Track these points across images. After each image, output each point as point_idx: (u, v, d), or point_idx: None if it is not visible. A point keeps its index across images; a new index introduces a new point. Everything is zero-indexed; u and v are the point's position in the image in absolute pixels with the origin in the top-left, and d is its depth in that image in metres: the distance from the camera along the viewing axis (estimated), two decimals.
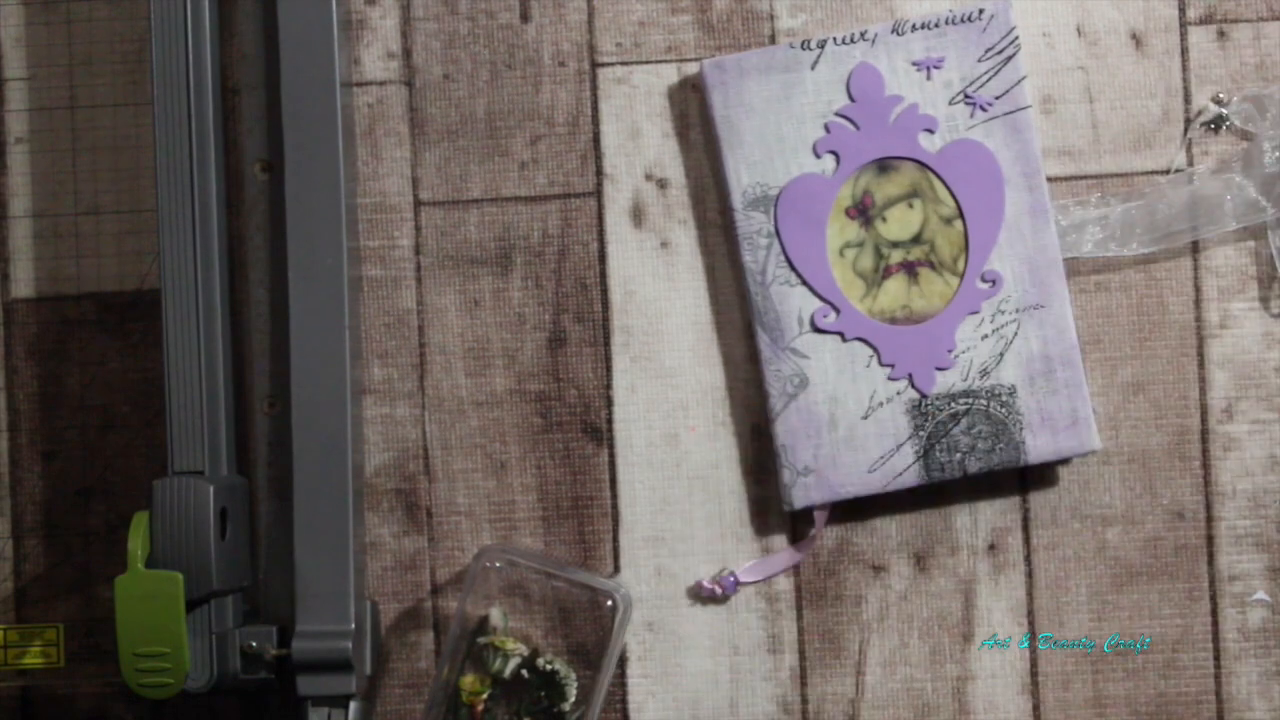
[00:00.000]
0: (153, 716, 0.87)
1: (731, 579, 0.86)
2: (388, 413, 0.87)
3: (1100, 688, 0.86)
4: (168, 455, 0.81)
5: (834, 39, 0.85)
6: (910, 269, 0.85)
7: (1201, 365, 0.87)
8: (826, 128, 0.85)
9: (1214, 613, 0.86)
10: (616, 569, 0.87)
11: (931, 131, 0.85)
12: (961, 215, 0.85)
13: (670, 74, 0.88)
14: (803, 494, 0.84)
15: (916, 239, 0.85)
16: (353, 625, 0.81)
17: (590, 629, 0.87)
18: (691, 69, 0.88)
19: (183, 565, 0.79)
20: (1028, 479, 0.87)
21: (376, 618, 0.85)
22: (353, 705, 0.82)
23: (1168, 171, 0.87)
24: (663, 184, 0.88)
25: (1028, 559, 0.86)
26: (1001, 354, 0.84)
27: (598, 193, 0.88)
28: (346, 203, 0.83)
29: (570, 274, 0.88)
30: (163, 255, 0.82)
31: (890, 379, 0.84)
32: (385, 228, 0.88)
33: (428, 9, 0.88)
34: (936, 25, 0.85)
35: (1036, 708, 0.86)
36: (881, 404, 0.84)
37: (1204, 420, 0.87)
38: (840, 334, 0.85)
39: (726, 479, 0.87)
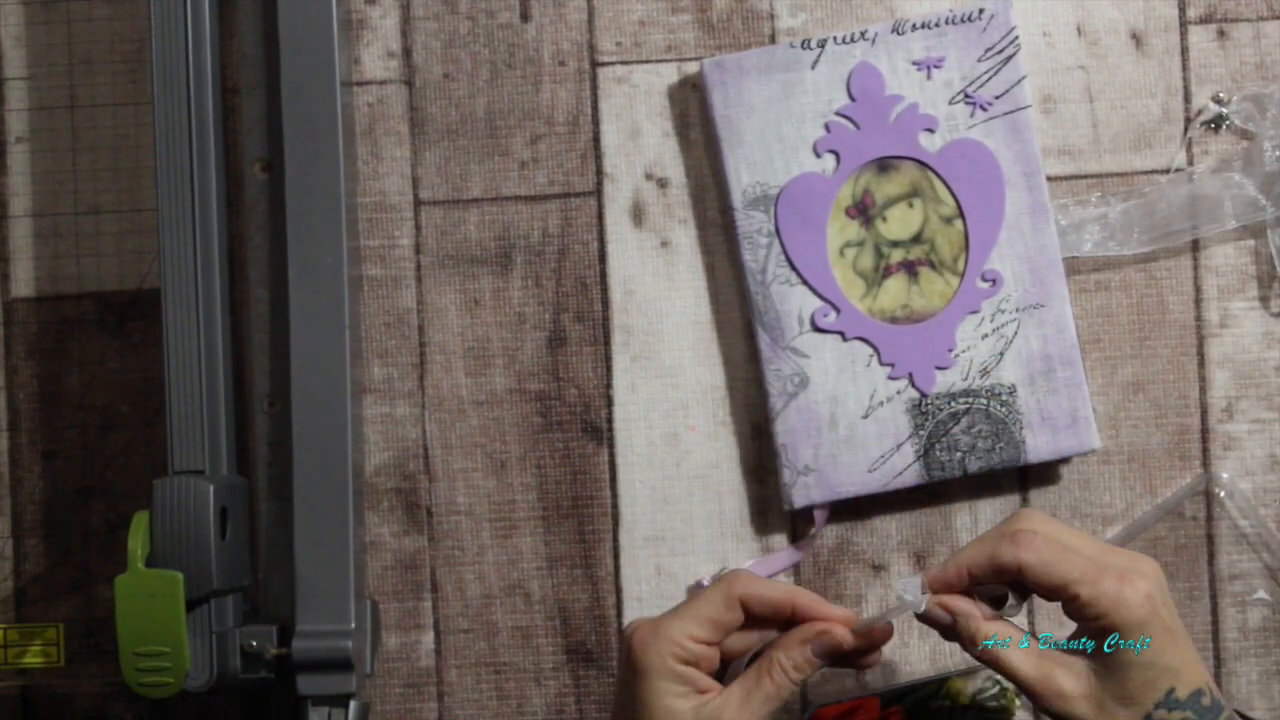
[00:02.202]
0: (153, 716, 0.87)
1: None
2: (388, 412, 0.87)
3: None
4: (168, 455, 0.81)
5: (834, 38, 0.85)
6: (910, 268, 0.85)
7: (1201, 365, 0.87)
8: (827, 127, 0.85)
9: (1214, 612, 0.86)
10: (617, 568, 0.87)
11: (932, 131, 0.85)
12: (961, 215, 0.85)
13: (670, 73, 0.88)
14: (803, 493, 0.84)
15: (916, 238, 0.85)
16: (353, 625, 0.81)
17: (590, 629, 0.87)
18: (691, 68, 0.88)
19: (183, 565, 0.79)
20: (1028, 478, 0.87)
21: (376, 617, 0.85)
22: (353, 705, 0.82)
23: (1168, 171, 0.87)
24: (663, 183, 0.88)
25: None
26: (1001, 353, 0.84)
27: (598, 192, 0.88)
28: (346, 202, 0.83)
29: (570, 273, 0.88)
30: (163, 255, 0.82)
31: (890, 378, 0.84)
32: (385, 227, 0.88)
33: (428, 8, 0.88)
34: (936, 25, 0.85)
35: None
36: (881, 403, 0.84)
37: (1204, 420, 0.87)
38: (840, 333, 0.85)
39: (726, 479, 0.87)
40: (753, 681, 0.70)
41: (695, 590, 0.86)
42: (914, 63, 0.85)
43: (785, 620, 0.72)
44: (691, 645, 0.70)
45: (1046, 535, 0.69)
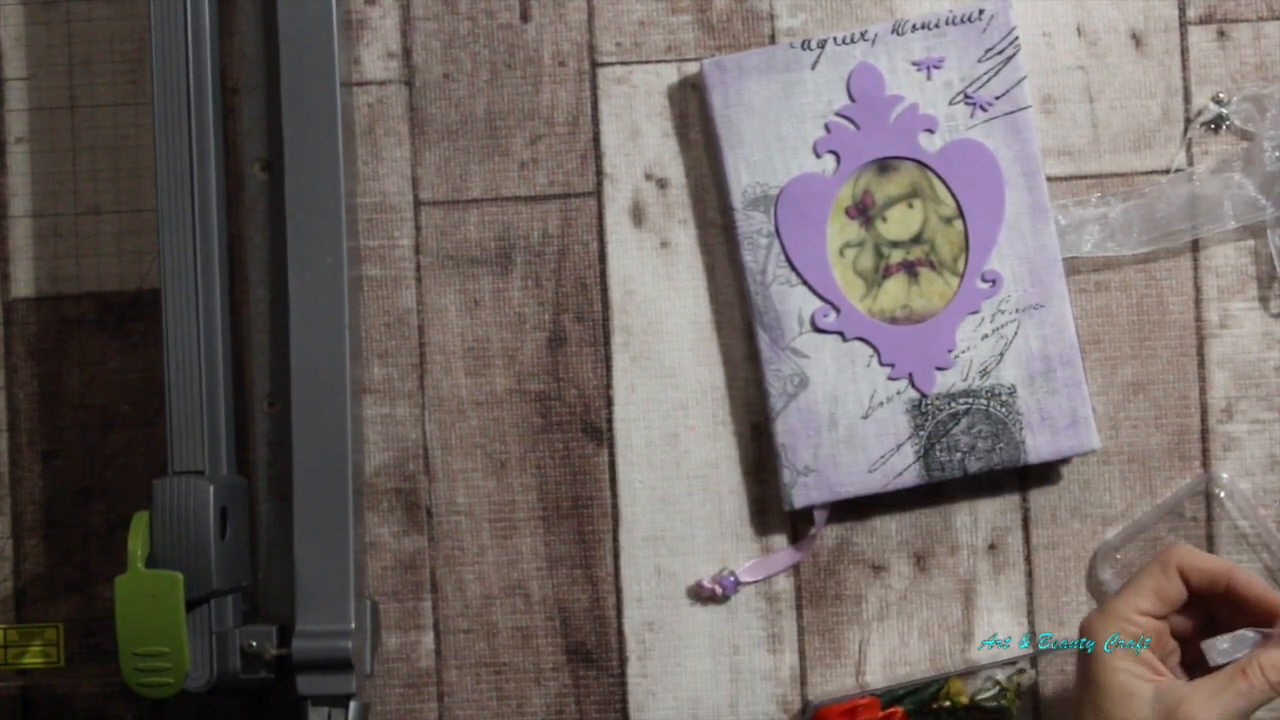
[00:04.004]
0: (153, 716, 0.87)
1: (731, 579, 0.86)
2: (388, 412, 0.87)
3: None
4: (168, 455, 0.81)
5: (834, 39, 0.85)
6: (910, 269, 0.85)
7: (1201, 365, 0.87)
8: (827, 127, 0.85)
9: None
10: (616, 568, 0.87)
11: (931, 131, 0.85)
12: (961, 215, 0.85)
13: (670, 74, 0.88)
14: (803, 494, 0.84)
15: (916, 239, 0.85)
16: (353, 625, 0.81)
17: (590, 629, 0.87)
18: (691, 69, 0.88)
19: (183, 565, 0.79)
20: (1028, 478, 0.87)
21: (376, 618, 0.85)
22: (353, 705, 0.82)
23: (1168, 171, 0.87)
24: (663, 184, 0.88)
25: (1028, 559, 0.86)
26: (1001, 354, 0.84)
27: (598, 192, 0.88)
28: (346, 202, 0.83)
29: (570, 274, 0.88)
30: (163, 255, 0.82)
31: (890, 379, 0.84)
32: (385, 227, 0.88)
33: (428, 9, 0.88)
34: (936, 25, 0.85)
35: (1036, 708, 0.86)
36: (881, 404, 0.84)
37: (1204, 420, 0.87)
38: (840, 334, 0.85)
39: (726, 479, 0.87)
40: (1225, 678, 0.70)
41: (695, 589, 0.86)
42: (914, 63, 0.85)
43: (1221, 594, 0.72)
44: (1138, 618, 0.70)
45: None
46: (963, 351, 0.84)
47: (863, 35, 0.85)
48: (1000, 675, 0.85)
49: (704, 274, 0.87)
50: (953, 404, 0.84)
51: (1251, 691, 0.69)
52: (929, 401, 0.84)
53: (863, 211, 0.85)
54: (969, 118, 0.85)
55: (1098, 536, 0.86)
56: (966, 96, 0.85)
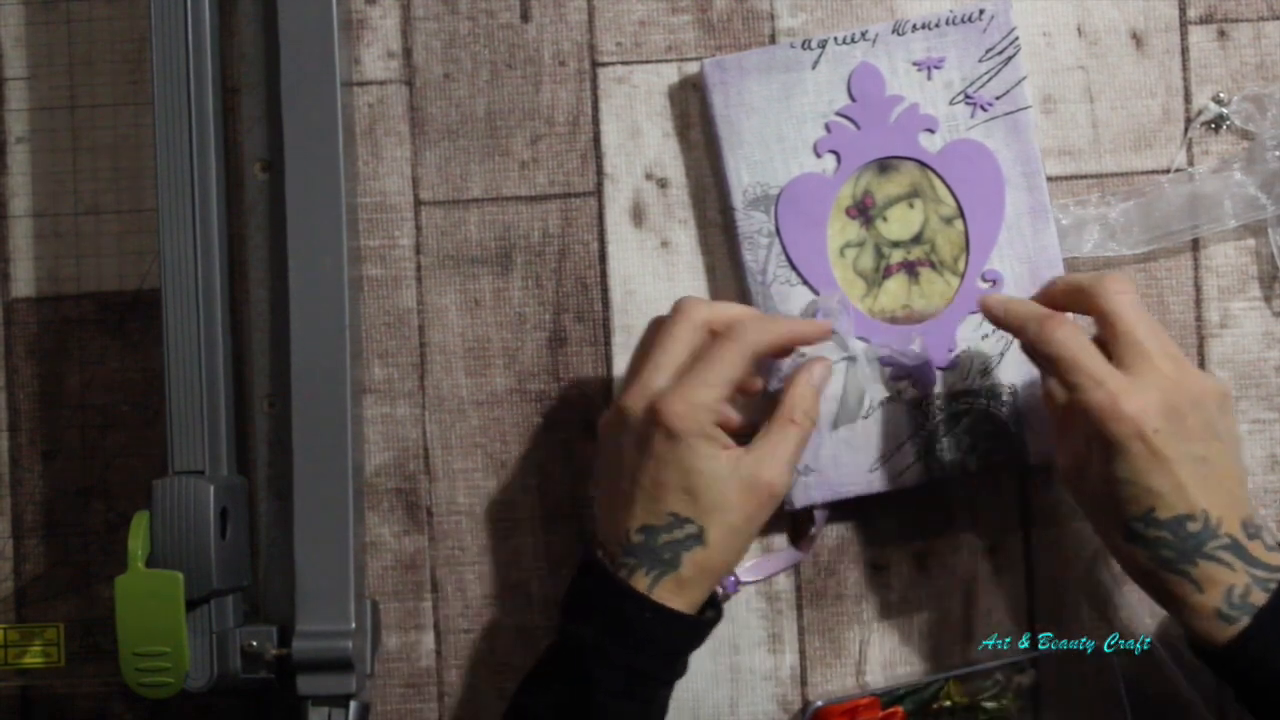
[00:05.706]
0: (153, 716, 0.87)
1: (731, 579, 0.86)
2: (388, 412, 0.87)
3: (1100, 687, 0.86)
4: (167, 455, 0.81)
5: (834, 39, 0.85)
6: (911, 269, 0.85)
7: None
8: (827, 127, 0.85)
9: None
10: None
11: (932, 131, 0.85)
12: (962, 215, 0.85)
13: (670, 74, 0.88)
14: (803, 493, 0.84)
15: (917, 239, 0.85)
16: (353, 625, 0.81)
17: None
18: (692, 69, 0.88)
19: (183, 565, 0.79)
20: (1028, 478, 0.87)
21: (376, 617, 0.85)
22: (353, 705, 0.82)
23: (1168, 171, 0.87)
24: (663, 183, 0.88)
25: (1028, 558, 0.86)
26: (1002, 354, 0.84)
27: (598, 192, 0.88)
28: (346, 202, 0.83)
29: (570, 273, 0.88)
30: (163, 255, 0.82)
31: (891, 378, 0.84)
32: (385, 227, 0.88)
33: (428, 9, 0.88)
34: (937, 25, 0.85)
35: (1036, 708, 0.86)
36: (882, 403, 0.84)
37: None
38: None
39: None
40: (779, 431, 0.75)
41: None
42: (914, 63, 0.85)
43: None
44: (720, 408, 0.74)
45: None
46: (963, 351, 0.84)
47: (863, 35, 0.85)
48: (1000, 675, 0.85)
49: (704, 274, 0.87)
50: (953, 404, 0.84)
51: (803, 433, 0.75)
52: (929, 401, 0.84)
53: (863, 211, 0.85)
54: (969, 118, 0.85)
55: (1097, 536, 0.86)
56: (967, 96, 0.85)
